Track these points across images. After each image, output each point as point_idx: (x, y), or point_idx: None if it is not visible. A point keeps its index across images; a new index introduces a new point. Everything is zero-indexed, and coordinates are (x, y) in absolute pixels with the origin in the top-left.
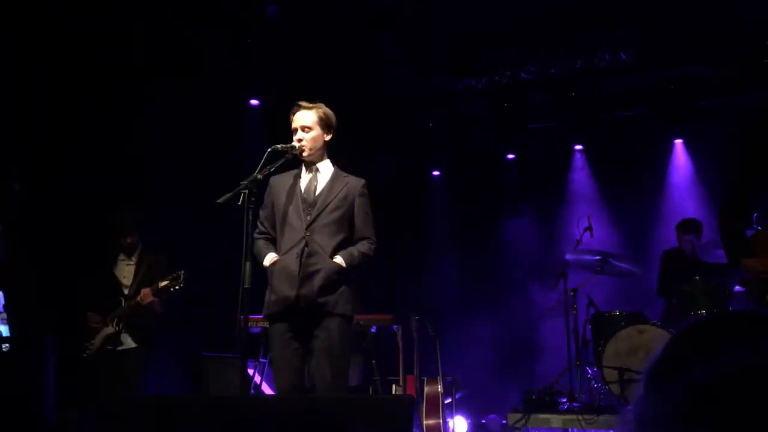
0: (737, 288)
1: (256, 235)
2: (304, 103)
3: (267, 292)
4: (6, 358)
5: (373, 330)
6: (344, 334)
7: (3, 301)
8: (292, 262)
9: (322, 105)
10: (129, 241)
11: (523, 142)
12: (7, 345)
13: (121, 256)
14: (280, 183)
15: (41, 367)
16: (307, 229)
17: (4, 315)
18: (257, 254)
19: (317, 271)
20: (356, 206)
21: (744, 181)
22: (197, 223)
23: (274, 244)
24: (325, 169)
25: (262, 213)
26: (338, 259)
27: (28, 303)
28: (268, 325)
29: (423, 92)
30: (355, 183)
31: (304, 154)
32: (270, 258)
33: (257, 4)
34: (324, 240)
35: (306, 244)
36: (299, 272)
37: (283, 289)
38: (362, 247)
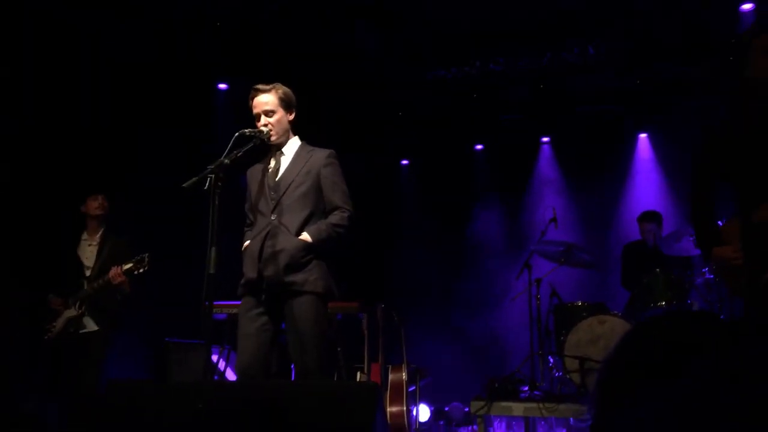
0: (698, 281)
1: (245, 229)
2: (261, 86)
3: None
4: None
5: (339, 317)
6: (315, 312)
7: None
8: (256, 245)
9: (280, 84)
10: (99, 202)
11: (492, 133)
12: None
13: (84, 236)
14: (252, 174)
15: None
16: (272, 212)
17: None
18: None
19: (280, 251)
20: (322, 177)
21: (710, 168)
22: (163, 208)
23: None
24: (290, 149)
25: (246, 206)
26: (304, 236)
27: None
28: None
29: (393, 81)
30: (319, 155)
31: (273, 138)
32: (245, 245)
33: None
34: (289, 219)
35: (270, 227)
36: (261, 254)
37: (248, 272)
38: (333, 218)
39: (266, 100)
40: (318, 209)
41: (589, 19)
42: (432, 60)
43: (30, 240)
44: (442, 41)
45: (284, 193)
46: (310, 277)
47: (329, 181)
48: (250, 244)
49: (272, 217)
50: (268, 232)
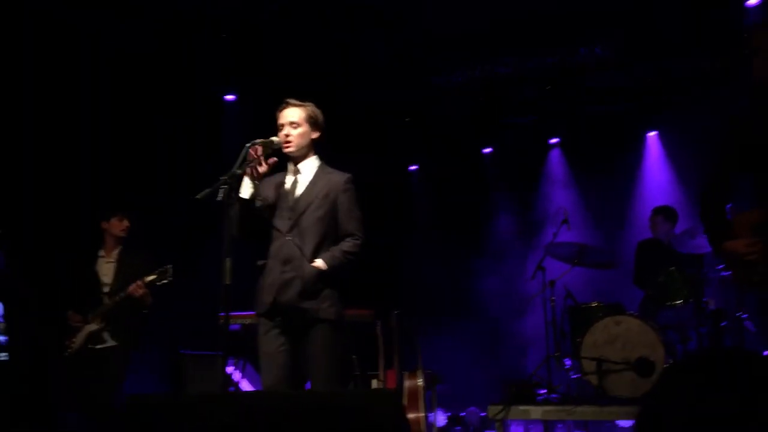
0: (713, 278)
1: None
2: (292, 101)
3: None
4: (6, 366)
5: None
6: (331, 339)
7: (2, 311)
8: (274, 269)
9: (312, 104)
10: (125, 224)
11: (500, 136)
12: (6, 354)
13: (101, 253)
14: (267, 183)
15: (43, 374)
16: (288, 232)
17: (3, 325)
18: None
19: (295, 278)
20: (339, 203)
21: (723, 163)
22: (176, 219)
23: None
24: (309, 169)
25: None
26: (318, 262)
27: (28, 312)
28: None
29: (399, 86)
30: (337, 179)
31: (290, 149)
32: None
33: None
34: (305, 243)
35: (287, 249)
36: (278, 279)
37: (265, 296)
38: (345, 245)
39: (294, 113)
40: (331, 234)
41: (594, 18)
42: (438, 64)
43: (48, 256)
44: (448, 45)
45: (302, 214)
46: (323, 304)
47: (346, 208)
48: (269, 264)
49: (288, 237)
50: (284, 256)
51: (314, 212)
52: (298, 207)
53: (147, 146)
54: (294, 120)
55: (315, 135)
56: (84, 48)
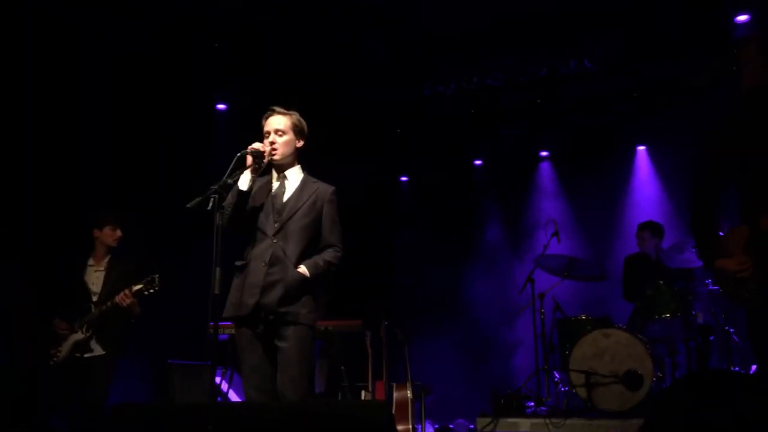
0: (701, 292)
1: None
2: (278, 109)
3: (231, 291)
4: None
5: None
6: (306, 343)
7: None
8: (258, 271)
9: (296, 112)
10: (119, 235)
11: (490, 148)
12: None
13: (90, 261)
14: (254, 184)
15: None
16: (275, 236)
17: None
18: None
19: (279, 281)
20: (324, 213)
21: (712, 176)
22: (165, 228)
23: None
24: (295, 176)
25: None
26: (302, 269)
27: (28, 313)
28: (233, 330)
29: (391, 97)
30: (324, 189)
31: (276, 157)
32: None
33: (226, 8)
34: (290, 247)
35: (272, 252)
36: (262, 281)
37: (245, 296)
38: (327, 255)
39: (279, 121)
40: (314, 242)
41: (585, 29)
42: (429, 76)
43: (47, 257)
44: (439, 56)
45: (290, 218)
46: (303, 309)
47: (329, 218)
48: (251, 266)
49: (274, 240)
50: (269, 259)
51: (301, 219)
52: (285, 212)
53: (147, 146)
54: (280, 128)
55: (299, 143)
56: (84, 48)
